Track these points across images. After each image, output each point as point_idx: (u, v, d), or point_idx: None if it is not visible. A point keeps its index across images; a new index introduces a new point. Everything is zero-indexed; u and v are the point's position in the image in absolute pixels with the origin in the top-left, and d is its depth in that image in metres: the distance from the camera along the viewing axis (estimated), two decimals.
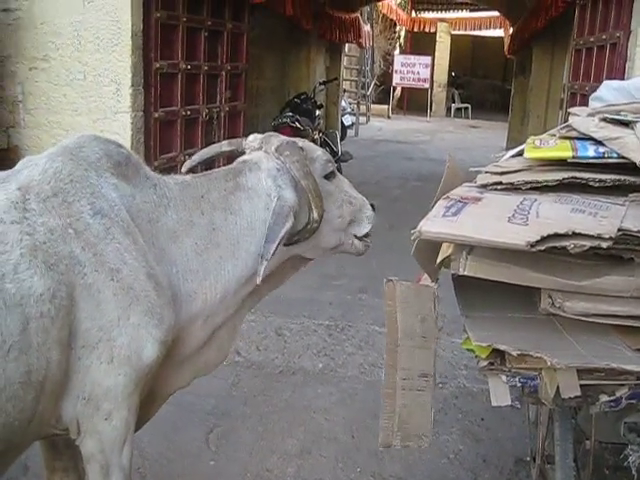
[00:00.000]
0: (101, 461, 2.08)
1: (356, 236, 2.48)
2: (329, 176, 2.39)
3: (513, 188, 1.94)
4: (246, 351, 4.56)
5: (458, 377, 4.35)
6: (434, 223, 1.74)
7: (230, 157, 2.49)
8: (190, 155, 6.23)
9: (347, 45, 16.30)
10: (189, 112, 6.15)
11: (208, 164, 2.63)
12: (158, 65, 5.65)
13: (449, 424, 3.81)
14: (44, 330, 1.78)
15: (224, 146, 2.53)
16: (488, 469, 3.42)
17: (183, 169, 2.57)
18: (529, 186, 1.93)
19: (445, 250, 1.84)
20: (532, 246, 1.61)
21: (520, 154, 2.26)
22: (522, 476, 3.35)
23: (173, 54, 5.95)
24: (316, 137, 8.52)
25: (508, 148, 12.51)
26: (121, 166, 2.08)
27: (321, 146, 8.20)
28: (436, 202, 2.00)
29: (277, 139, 2.32)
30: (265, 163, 2.27)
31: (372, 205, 2.53)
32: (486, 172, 2.08)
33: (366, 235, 2.50)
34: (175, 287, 2.10)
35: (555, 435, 2.39)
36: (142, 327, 1.96)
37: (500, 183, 1.96)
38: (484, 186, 1.99)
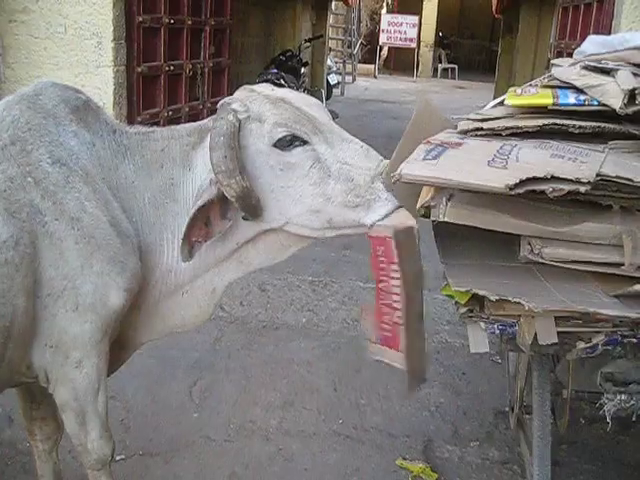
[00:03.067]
0: (76, 409, 2.10)
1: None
2: (285, 144, 1.97)
3: (494, 134, 1.93)
4: (230, 306, 4.58)
5: (440, 332, 4.39)
6: (414, 166, 1.73)
7: None
8: (174, 111, 6.20)
9: (334, 3, 16.11)
10: (172, 67, 6.07)
11: None
12: (141, 19, 5.55)
13: (431, 378, 3.84)
14: (9, 277, 1.80)
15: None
16: (468, 421, 3.47)
17: None
18: (509, 132, 1.92)
19: (425, 195, 1.84)
20: (511, 189, 1.61)
21: (501, 104, 2.26)
22: (501, 428, 3.40)
23: (156, 8, 5.85)
24: None
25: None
26: (80, 112, 2.03)
27: None
28: (404, 141, 1.95)
29: (228, 98, 2.09)
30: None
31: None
32: (467, 119, 2.08)
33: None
34: (136, 237, 2.08)
35: (533, 384, 2.43)
36: (106, 275, 1.96)
37: (481, 129, 1.95)
38: (465, 132, 1.98)
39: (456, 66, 22.88)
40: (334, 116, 8.50)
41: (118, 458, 3.01)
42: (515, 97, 2.03)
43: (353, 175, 1.96)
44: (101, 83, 5.26)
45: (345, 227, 2.05)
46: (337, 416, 3.46)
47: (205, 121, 2.19)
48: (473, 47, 26.40)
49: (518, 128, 1.90)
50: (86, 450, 2.18)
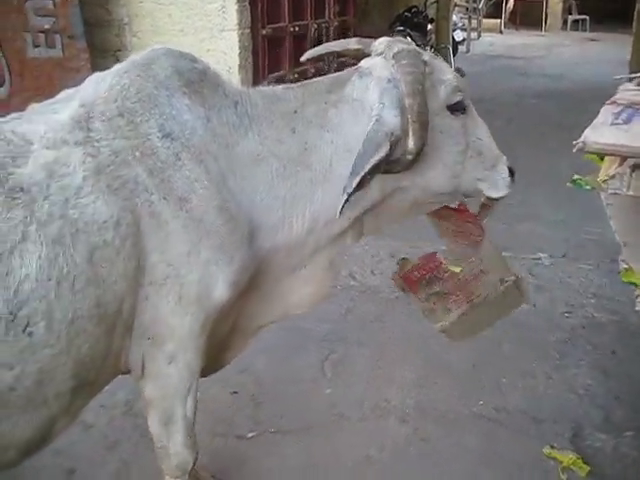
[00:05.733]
0: (163, 408, 1.97)
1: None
2: (454, 108, 2.00)
3: None
4: (361, 275, 4.43)
5: (586, 306, 4.08)
6: (601, 132, 1.48)
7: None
8: (299, 73, 6.07)
9: None
10: (297, 28, 5.93)
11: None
12: None
13: (577, 356, 3.58)
14: (108, 261, 1.65)
15: (352, 43, 2.18)
16: (621, 407, 3.18)
17: (302, 58, 2.37)
18: None
19: (609, 166, 1.58)
20: None
21: None
22: None
23: None
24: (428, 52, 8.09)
25: (632, 61, 11.63)
26: (194, 84, 1.87)
27: None
28: None
29: (401, 45, 1.97)
30: (378, 70, 1.93)
31: (510, 169, 2.14)
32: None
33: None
34: (259, 217, 1.90)
35: None
36: (213, 264, 1.80)
37: None
38: None
39: (587, 17, 21.63)
40: (461, 74, 8.22)
41: (250, 435, 2.96)
42: None
43: (483, 150, 2.06)
44: (226, 47, 5.18)
45: (465, 194, 2.15)
46: (476, 396, 3.25)
47: (342, 73, 2.03)
48: None
49: None
50: (167, 454, 2.06)
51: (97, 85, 1.83)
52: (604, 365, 3.51)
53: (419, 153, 1.88)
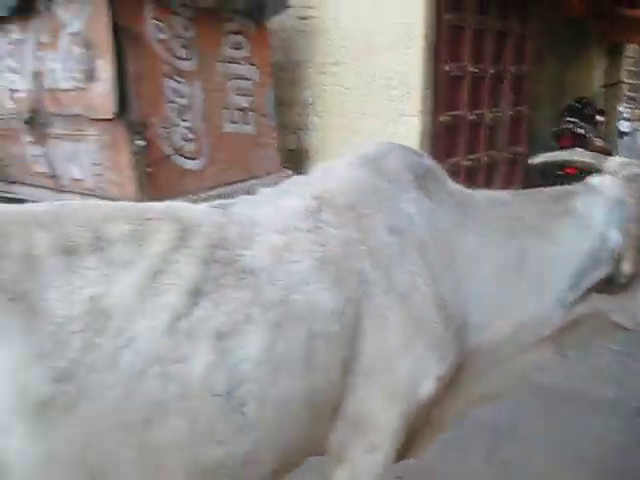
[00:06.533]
0: None
1: None
2: None
3: None
4: (529, 372, 4.31)
5: None
6: None
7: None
8: (472, 160, 6.12)
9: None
10: (474, 116, 6.00)
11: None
12: (447, 68, 5.56)
13: None
14: (327, 349, 1.66)
15: (586, 156, 2.16)
16: None
17: (531, 161, 2.33)
18: None
19: None
20: None
21: None
22: None
23: (460, 56, 5.85)
24: (598, 145, 7.90)
25: None
26: (421, 179, 1.90)
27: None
28: None
29: (635, 168, 1.94)
30: (608, 189, 1.92)
31: None
32: None
33: None
34: (470, 316, 1.89)
35: None
36: (425, 361, 1.78)
37: None
38: None
39: None
40: None
41: None
42: None
43: None
44: (406, 132, 5.31)
45: None
46: None
47: (568, 187, 2.03)
48: None
49: None
50: None
51: (328, 176, 1.92)
52: None
53: (633, 277, 1.85)
